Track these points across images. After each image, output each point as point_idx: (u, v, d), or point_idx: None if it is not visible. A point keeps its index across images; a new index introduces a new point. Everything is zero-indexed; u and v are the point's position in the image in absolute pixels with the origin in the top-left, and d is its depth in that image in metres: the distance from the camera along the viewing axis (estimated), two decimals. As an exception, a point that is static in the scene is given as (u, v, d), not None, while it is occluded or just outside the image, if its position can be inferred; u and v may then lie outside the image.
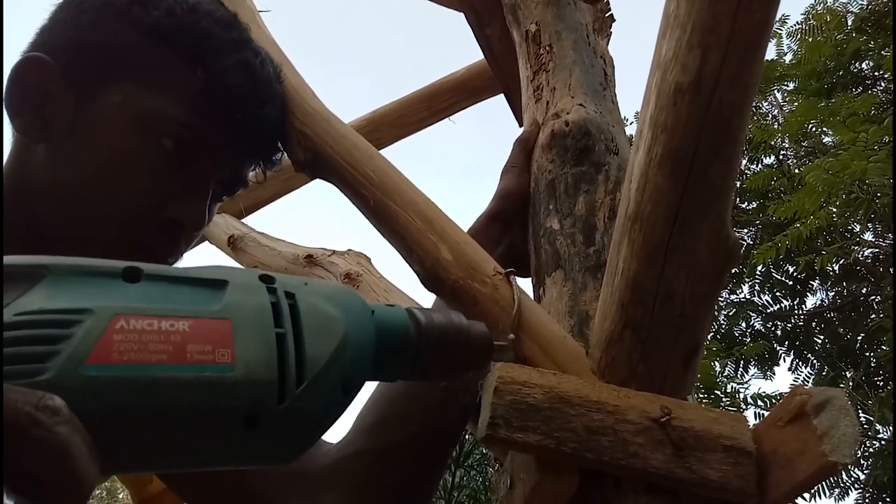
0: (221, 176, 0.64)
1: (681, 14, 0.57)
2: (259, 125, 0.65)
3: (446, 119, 1.50)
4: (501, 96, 1.36)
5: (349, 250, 1.11)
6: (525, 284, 0.77)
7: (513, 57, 1.19)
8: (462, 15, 1.29)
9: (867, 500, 5.04)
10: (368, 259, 1.08)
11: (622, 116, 1.01)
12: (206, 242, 1.61)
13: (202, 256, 1.64)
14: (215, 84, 0.60)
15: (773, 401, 4.78)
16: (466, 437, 5.47)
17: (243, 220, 1.54)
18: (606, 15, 1.18)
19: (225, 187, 0.67)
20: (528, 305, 0.64)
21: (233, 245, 1.40)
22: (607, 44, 1.18)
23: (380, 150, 0.79)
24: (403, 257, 0.70)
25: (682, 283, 0.57)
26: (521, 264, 0.81)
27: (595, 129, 0.84)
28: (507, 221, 0.82)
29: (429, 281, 0.67)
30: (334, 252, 1.13)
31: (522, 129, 0.96)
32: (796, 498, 0.51)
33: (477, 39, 1.29)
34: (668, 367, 0.57)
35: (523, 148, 0.88)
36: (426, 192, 0.71)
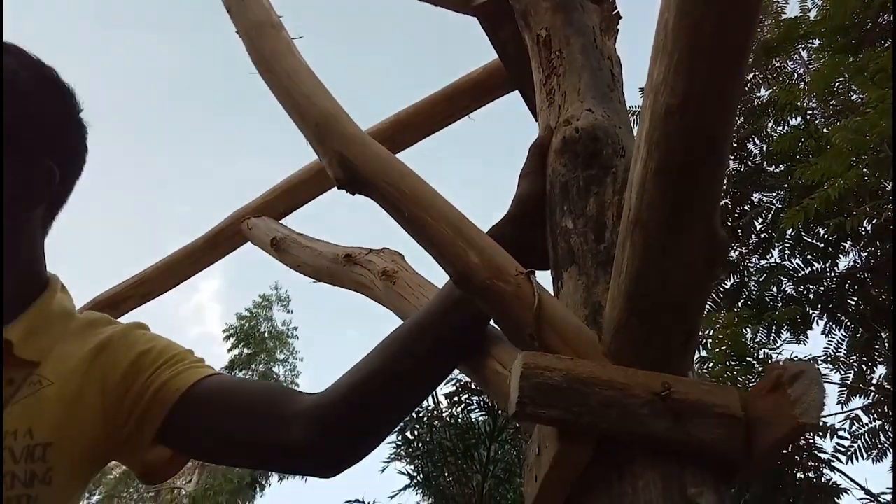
0: None
1: (668, 43, 0.67)
2: None
3: (466, 117, 1.61)
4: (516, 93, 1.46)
5: (384, 249, 1.23)
6: (545, 277, 0.89)
7: (525, 58, 1.29)
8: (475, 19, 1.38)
9: (905, 461, 5.07)
10: (402, 256, 1.20)
11: (634, 105, 1.11)
12: (250, 244, 1.75)
13: (249, 258, 1.78)
14: None
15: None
16: (500, 412, 5.64)
17: (282, 222, 1.67)
18: (613, 13, 1.27)
19: None
20: (547, 300, 0.75)
21: (276, 247, 1.54)
22: (615, 41, 1.28)
23: (404, 149, 0.91)
24: (437, 261, 0.82)
25: (677, 278, 0.68)
26: (542, 259, 0.92)
27: (603, 134, 0.95)
28: (527, 222, 0.94)
29: (460, 282, 0.79)
30: (371, 251, 1.25)
31: (537, 133, 1.06)
32: (776, 454, 0.63)
33: (491, 42, 1.39)
34: (669, 349, 0.69)
35: (538, 153, 0.99)
36: (451, 182, 0.83)
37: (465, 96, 1.59)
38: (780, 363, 0.63)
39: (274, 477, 14.96)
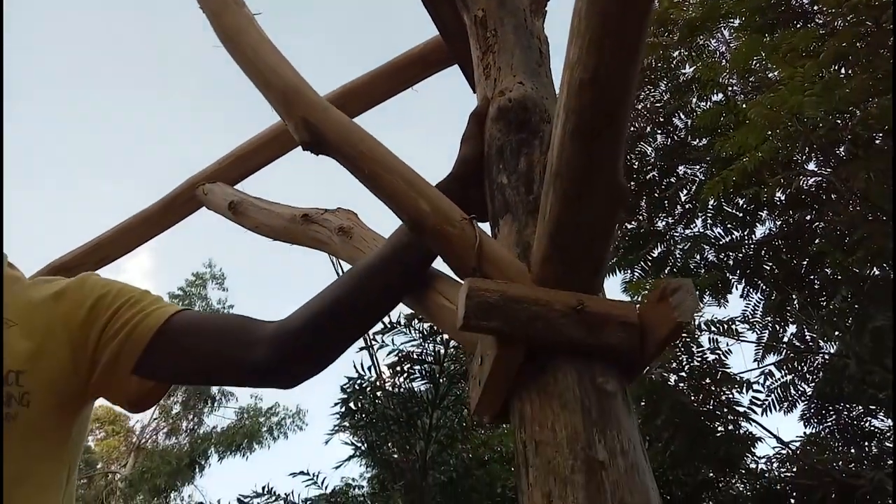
0: None
1: (581, 27, 0.84)
2: None
3: (409, 89, 1.76)
4: (455, 67, 1.62)
5: (339, 208, 1.37)
6: (484, 228, 1.06)
7: (464, 35, 1.44)
8: (418, -2, 1.53)
9: (812, 411, 5.62)
10: (356, 214, 1.35)
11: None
12: (205, 209, 1.85)
13: (206, 221, 1.87)
14: None
15: (724, 325, 5.26)
16: (441, 380, 5.84)
17: (236, 188, 1.78)
18: (542, -4, 1.44)
19: None
20: (486, 240, 0.93)
21: (234, 210, 1.65)
22: (544, 20, 1.45)
23: (353, 118, 1.06)
24: (393, 210, 0.98)
25: (588, 219, 0.86)
26: (481, 212, 1.09)
27: (532, 104, 1.12)
28: (468, 181, 1.11)
29: (413, 227, 0.95)
30: (326, 210, 1.39)
31: (476, 103, 1.23)
32: (662, 351, 0.83)
33: (433, 19, 1.54)
34: (582, 274, 0.87)
35: (477, 121, 1.16)
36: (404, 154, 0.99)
37: (409, 69, 1.74)
38: (666, 279, 0.83)
39: (214, 457, 14.90)
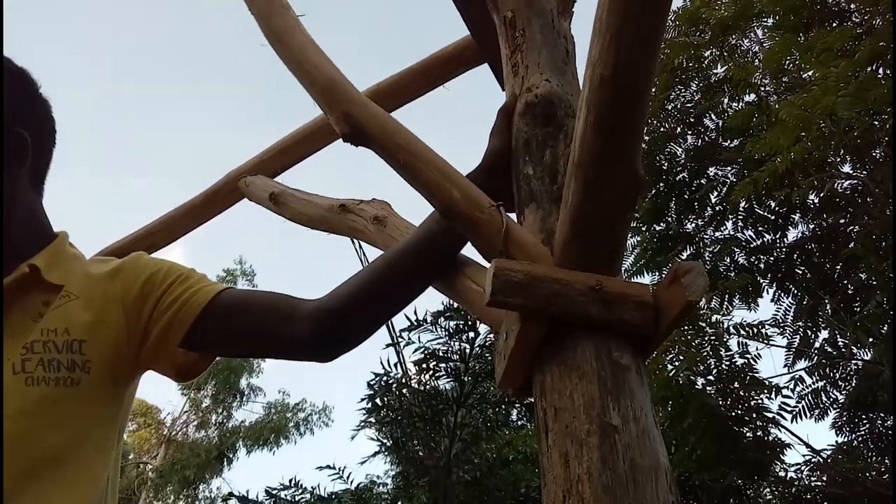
0: None
1: (602, 28, 0.92)
2: None
3: (441, 87, 1.85)
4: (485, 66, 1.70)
5: (374, 199, 1.46)
6: (511, 216, 1.14)
7: (494, 35, 1.53)
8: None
9: (844, 419, 5.56)
10: (389, 205, 1.44)
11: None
12: (246, 200, 1.96)
13: (249, 210, 1.98)
14: None
15: (753, 329, 5.24)
16: (466, 379, 5.91)
17: (277, 180, 1.89)
18: (569, -2, 1.52)
19: None
20: (512, 226, 1.01)
21: (274, 200, 1.75)
22: (570, 21, 1.52)
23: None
24: (426, 198, 1.06)
25: (607, 206, 0.94)
26: (507, 201, 1.17)
27: (557, 100, 1.20)
28: (496, 172, 1.19)
29: (445, 213, 1.03)
30: (362, 201, 1.48)
31: (505, 99, 1.31)
32: (674, 328, 0.90)
33: (464, 20, 1.63)
34: (601, 257, 0.95)
35: (505, 115, 1.24)
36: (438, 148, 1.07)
37: (441, 68, 1.82)
38: (682, 262, 0.90)
39: (242, 450, 15.23)
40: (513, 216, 1.18)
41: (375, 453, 6.35)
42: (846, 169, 5.95)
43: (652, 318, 0.91)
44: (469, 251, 1.14)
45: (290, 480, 6.00)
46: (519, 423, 6.52)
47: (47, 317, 0.85)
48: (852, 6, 5.68)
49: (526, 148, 1.18)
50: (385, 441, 6.20)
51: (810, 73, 5.57)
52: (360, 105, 1.11)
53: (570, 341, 0.91)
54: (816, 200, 6.00)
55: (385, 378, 6.11)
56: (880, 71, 5.33)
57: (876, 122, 5.05)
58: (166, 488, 14.01)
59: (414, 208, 1.33)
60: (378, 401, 6.09)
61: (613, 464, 0.79)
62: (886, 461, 5.29)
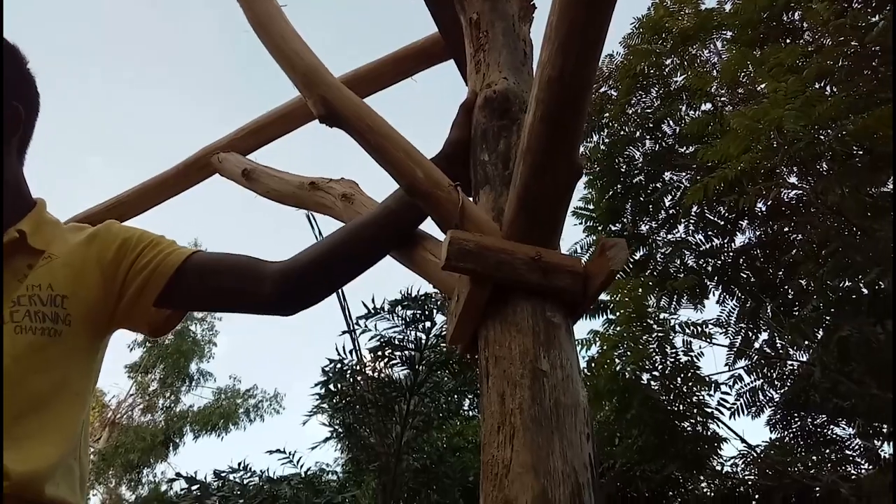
0: None
1: (551, 34, 1.09)
2: None
3: (409, 79, 2.01)
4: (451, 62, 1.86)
5: (342, 178, 1.61)
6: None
7: (460, 34, 1.69)
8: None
9: (779, 417, 5.92)
10: (357, 184, 1.59)
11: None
12: (218, 175, 2.08)
13: (219, 186, 2.10)
14: None
15: (698, 328, 5.55)
16: (420, 368, 6.07)
17: (249, 157, 2.01)
18: (530, 4, 1.69)
19: None
20: (467, 204, 1.17)
21: (247, 176, 1.88)
22: (530, 26, 1.69)
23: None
24: (393, 177, 1.22)
25: (549, 189, 1.11)
26: (464, 187, 1.34)
27: (513, 96, 1.37)
28: (454, 160, 1.35)
29: (409, 190, 1.19)
30: (331, 179, 1.62)
31: (466, 94, 1.47)
32: (599, 294, 1.07)
33: (434, 19, 1.78)
34: (543, 233, 1.12)
35: (465, 110, 1.40)
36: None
37: (410, 61, 1.98)
38: (606, 238, 1.08)
39: (189, 435, 15.12)
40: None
41: (327, 439, 6.46)
42: (793, 180, 6.30)
43: (581, 285, 1.09)
44: (428, 226, 1.31)
45: (239, 464, 6.07)
46: (470, 412, 6.72)
47: (32, 274, 0.96)
48: (804, 25, 6.02)
49: (483, 137, 1.35)
50: (337, 427, 6.32)
51: (763, 86, 5.90)
52: (335, 89, 1.26)
53: (511, 303, 1.08)
54: (764, 208, 6.36)
55: (339, 365, 6.22)
56: (828, 88, 5.68)
57: (821, 136, 5.39)
58: (108, 472, 13.81)
59: (377, 188, 1.49)
60: (332, 387, 6.20)
61: (541, 400, 0.96)
62: (814, 456, 5.67)
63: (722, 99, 6.52)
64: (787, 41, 6.09)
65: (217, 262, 1.12)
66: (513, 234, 1.13)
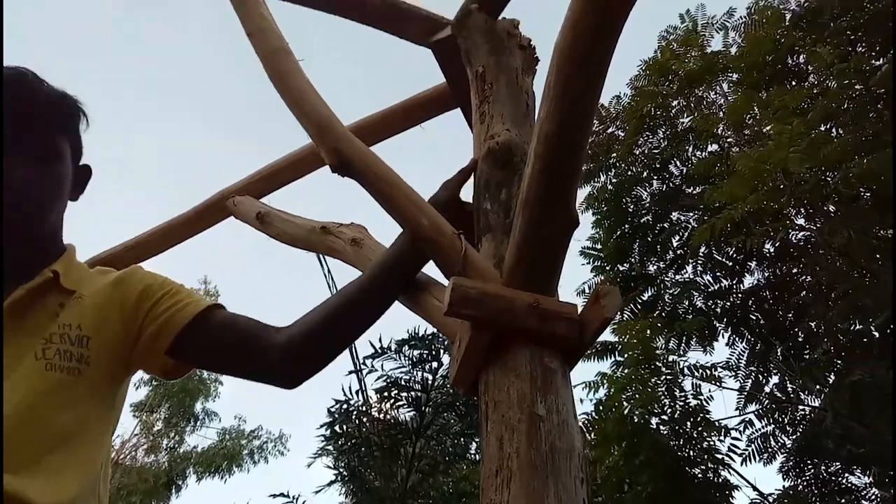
0: None
1: (550, 93, 1.16)
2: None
3: (418, 126, 2.10)
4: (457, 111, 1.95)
5: (352, 223, 1.68)
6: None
7: (467, 85, 1.77)
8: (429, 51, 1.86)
9: (791, 464, 5.84)
10: (365, 229, 1.65)
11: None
12: (233, 218, 2.16)
13: (234, 230, 2.18)
14: None
15: (706, 371, 5.53)
16: (426, 409, 6.05)
17: (262, 201, 2.10)
18: (533, 58, 1.78)
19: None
20: (470, 251, 1.24)
21: (261, 220, 1.95)
22: (533, 78, 1.78)
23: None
24: (399, 223, 1.29)
25: (547, 238, 1.17)
26: (466, 234, 1.40)
27: (515, 148, 1.44)
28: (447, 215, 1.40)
29: (415, 237, 1.25)
30: (341, 224, 1.69)
31: (472, 141, 1.55)
32: (594, 340, 1.12)
33: (442, 70, 1.88)
34: (541, 280, 1.18)
35: (462, 175, 1.46)
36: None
37: (419, 109, 2.07)
38: (603, 284, 1.13)
39: (192, 477, 15.00)
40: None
41: (331, 482, 6.41)
42: (800, 221, 6.34)
43: (577, 331, 1.14)
44: (431, 269, 1.37)
45: (242, 506, 6.02)
46: (476, 456, 6.67)
47: (63, 313, 1.02)
48: (809, 68, 6.14)
49: (486, 187, 1.42)
50: (342, 470, 6.27)
51: (770, 128, 5.99)
52: (346, 141, 1.34)
53: (511, 348, 1.13)
54: (772, 249, 6.39)
55: (346, 405, 6.22)
56: (833, 131, 5.76)
57: (827, 178, 5.45)
58: (110, 514, 13.67)
59: (382, 233, 1.55)
60: (337, 428, 6.18)
61: (537, 445, 1.00)
62: (829, 506, 5.57)
63: (728, 140, 6.62)
64: (793, 84, 6.21)
65: (231, 321, 1.16)
66: (512, 282, 1.18)
